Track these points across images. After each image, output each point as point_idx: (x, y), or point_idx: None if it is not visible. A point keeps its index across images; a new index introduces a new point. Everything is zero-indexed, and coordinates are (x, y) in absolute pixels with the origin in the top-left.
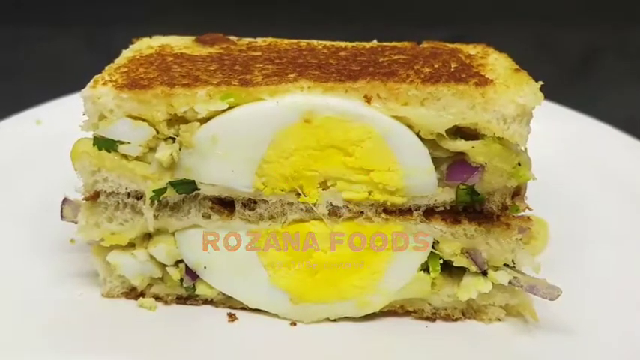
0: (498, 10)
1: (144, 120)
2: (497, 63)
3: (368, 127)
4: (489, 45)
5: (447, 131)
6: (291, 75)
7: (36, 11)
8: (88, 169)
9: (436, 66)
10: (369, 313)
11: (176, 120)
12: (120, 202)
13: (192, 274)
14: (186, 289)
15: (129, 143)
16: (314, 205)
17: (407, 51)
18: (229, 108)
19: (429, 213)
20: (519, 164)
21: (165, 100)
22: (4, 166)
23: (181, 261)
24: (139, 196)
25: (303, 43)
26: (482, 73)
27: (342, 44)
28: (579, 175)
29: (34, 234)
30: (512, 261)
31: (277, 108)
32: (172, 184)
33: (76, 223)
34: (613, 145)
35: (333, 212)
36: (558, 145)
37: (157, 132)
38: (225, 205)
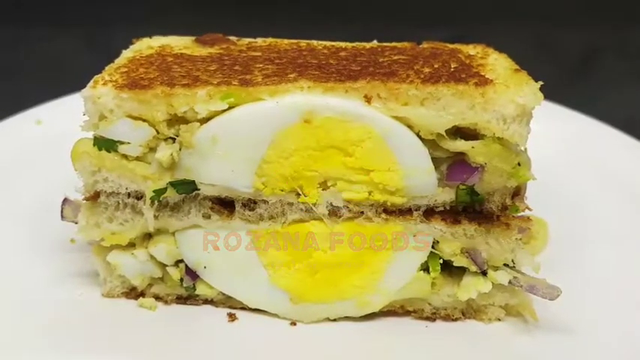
0: (498, 10)
1: (144, 120)
2: (497, 63)
3: (368, 127)
4: (489, 45)
5: (446, 131)
6: (291, 75)
7: (36, 11)
8: (89, 169)
9: (436, 66)
10: (369, 313)
11: (176, 120)
12: (120, 202)
13: (192, 274)
14: (187, 289)
15: (129, 143)
16: (314, 205)
17: (407, 51)
18: (229, 108)
19: (429, 213)
20: (519, 164)
21: (165, 100)
22: (4, 166)
23: (181, 261)
24: (139, 196)
25: (303, 43)
26: (482, 74)
27: (342, 44)
28: (579, 175)
29: (34, 234)
30: (512, 261)
31: (277, 108)
32: (172, 184)
33: (76, 223)
34: (613, 145)
35: (333, 212)
36: (558, 145)
37: (157, 132)
38: (225, 205)
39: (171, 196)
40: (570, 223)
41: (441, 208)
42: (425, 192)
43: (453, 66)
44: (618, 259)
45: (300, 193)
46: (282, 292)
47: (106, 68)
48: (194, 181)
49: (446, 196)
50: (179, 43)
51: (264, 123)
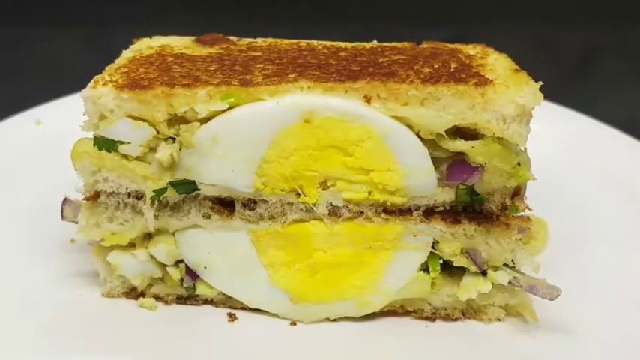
0: (498, 10)
1: (144, 120)
2: (496, 63)
3: (368, 127)
4: (489, 45)
5: (446, 131)
6: (291, 75)
7: (36, 11)
8: (89, 169)
9: (436, 66)
10: (369, 313)
11: (176, 120)
12: (120, 202)
13: (192, 274)
14: (187, 289)
15: (129, 143)
16: (314, 205)
17: (407, 51)
18: (229, 108)
19: (429, 213)
20: (519, 164)
21: (165, 100)
22: (4, 166)
23: (181, 261)
24: (140, 196)
25: (303, 43)
26: (482, 74)
27: (342, 44)
28: (579, 176)
29: (34, 234)
30: (512, 261)
31: (277, 108)
32: (172, 184)
33: (76, 223)
34: (613, 146)
35: (333, 212)
36: (558, 145)
37: (158, 132)
38: (225, 205)
39: (172, 196)
40: (570, 223)
41: (441, 208)
42: (425, 192)
43: (452, 66)
44: (618, 259)
45: (300, 193)
46: (282, 292)
47: (106, 68)
48: (194, 181)
49: (446, 196)
50: (179, 43)
51: (264, 123)
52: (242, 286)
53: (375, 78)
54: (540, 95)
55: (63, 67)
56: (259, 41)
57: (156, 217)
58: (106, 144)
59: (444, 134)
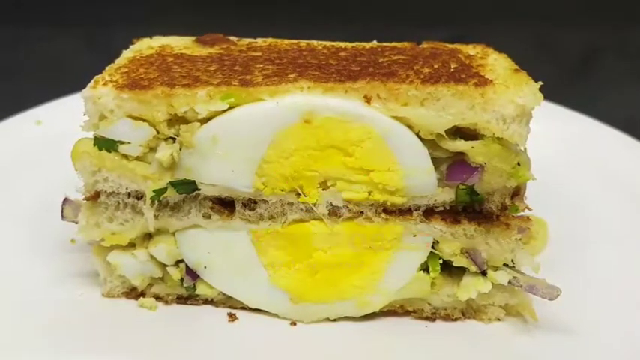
0: (498, 10)
1: (144, 120)
2: (496, 63)
3: (368, 127)
4: (489, 45)
5: (446, 131)
6: (291, 75)
7: (36, 11)
8: (89, 169)
9: (436, 66)
10: (369, 312)
11: (176, 120)
12: (120, 202)
13: (192, 273)
14: (187, 288)
15: (129, 143)
16: (314, 205)
17: (407, 51)
18: (229, 108)
19: (429, 213)
20: (519, 164)
21: (165, 100)
22: (4, 166)
23: (182, 261)
24: (140, 196)
25: (303, 43)
26: (482, 74)
27: (342, 44)
28: (579, 176)
29: (34, 234)
30: (512, 261)
31: (277, 108)
32: (173, 184)
33: (76, 223)
34: (613, 146)
35: (333, 212)
36: (558, 145)
37: (158, 132)
38: (225, 205)
39: (172, 196)
40: (570, 223)
41: (441, 208)
42: (425, 192)
43: (452, 66)
44: (619, 259)
45: (300, 193)
46: (282, 292)
47: (107, 68)
48: (194, 181)
49: (446, 196)
50: (179, 44)
51: (264, 123)
52: (242, 286)
53: (375, 78)
54: (540, 95)
55: (63, 67)
56: (259, 41)
57: (156, 217)
58: (106, 144)
59: (444, 134)
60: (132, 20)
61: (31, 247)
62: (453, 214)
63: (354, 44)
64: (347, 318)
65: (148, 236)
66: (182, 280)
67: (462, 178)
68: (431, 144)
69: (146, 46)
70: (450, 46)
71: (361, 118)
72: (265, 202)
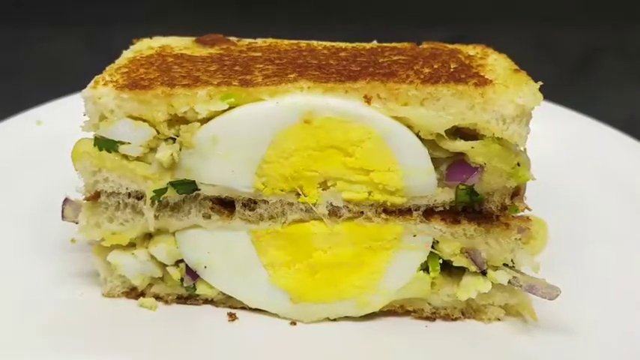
0: (498, 10)
1: (144, 120)
2: (496, 63)
3: (368, 127)
4: (489, 45)
5: (446, 131)
6: (291, 75)
7: (36, 11)
8: (89, 169)
9: (436, 66)
10: (369, 312)
11: (176, 120)
12: (120, 202)
13: (192, 273)
14: (187, 288)
15: (129, 143)
16: (314, 205)
17: (407, 51)
18: (229, 108)
19: (429, 213)
20: (518, 164)
21: (165, 100)
22: (4, 166)
23: (182, 261)
24: (140, 196)
25: (303, 43)
26: (482, 74)
27: (342, 45)
28: (579, 176)
29: (34, 234)
30: (512, 261)
31: (277, 108)
32: (173, 184)
33: (76, 223)
34: (613, 146)
35: (333, 212)
36: (558, 145)
37: (158, 132)
38: (225, 205)
39: (172, 196)
40: (570, 223)
41: (441, 208)
42: (425, 192)
43: (452, 66)
44: (618, 259)
45: (300, 193)
46: (282, 292)
47: (107, 68)
48: (194, 181)
49: (445, 196)
50: (179, 44)
51: (264, 123)
52: (242, 286)
53: (375, 78)
54: (540, 95)
55: (63, 67)
56: (259, 41)
57: (156, 217)
58: (106, 144)
59: (444, 134)
60: (132, 20)
61: (31, 247)
62: (452, 214)
63: (354, 44)
64: (347, 318)
65: (148, 236)
66: (182, 280)
67: (461, 178)
68: (431, 144)
69: (146, 46)
70: (450, 46)
71: (361, 118)
72: (265, 202)
